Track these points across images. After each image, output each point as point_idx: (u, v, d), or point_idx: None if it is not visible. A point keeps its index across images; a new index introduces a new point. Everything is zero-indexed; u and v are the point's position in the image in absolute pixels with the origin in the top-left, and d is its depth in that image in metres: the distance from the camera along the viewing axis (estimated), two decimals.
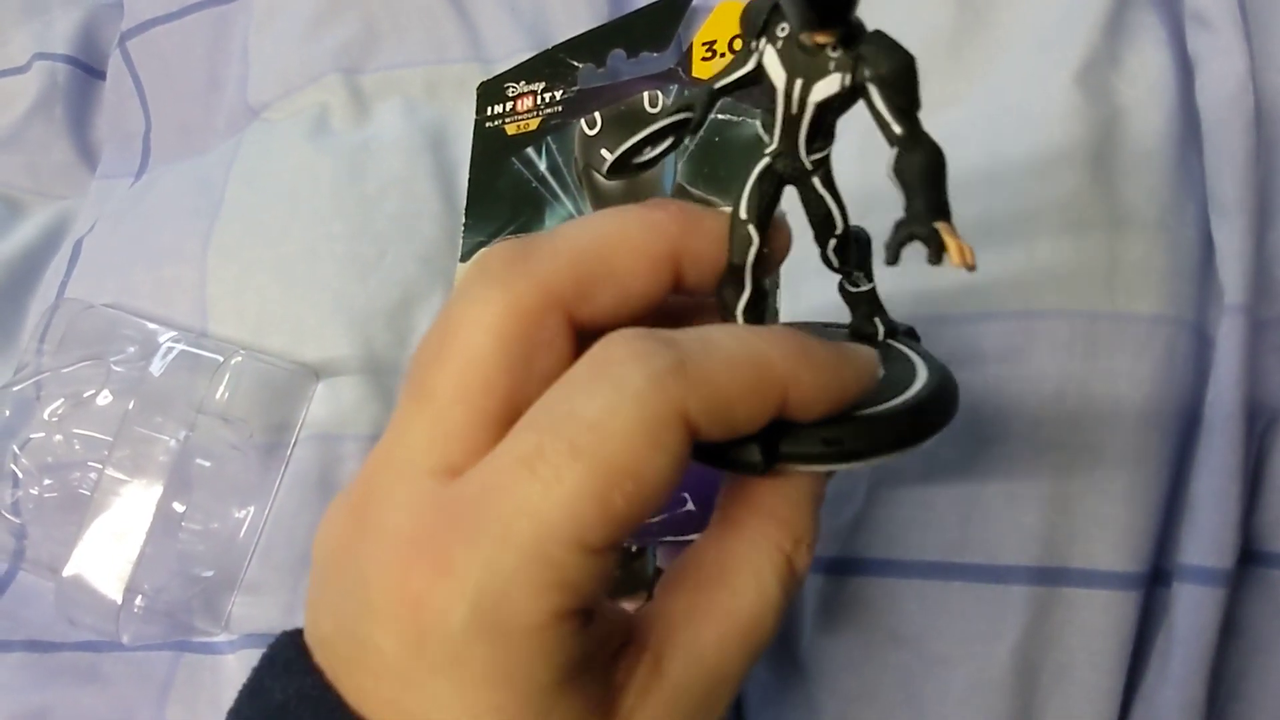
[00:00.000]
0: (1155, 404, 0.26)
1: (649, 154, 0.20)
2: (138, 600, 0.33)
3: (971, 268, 0.16)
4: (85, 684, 0.35)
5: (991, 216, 0.28)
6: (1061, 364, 0.27)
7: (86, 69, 0.50)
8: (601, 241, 0.18)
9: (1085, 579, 0.26)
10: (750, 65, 0.18)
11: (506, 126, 0.39)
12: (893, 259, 0.16)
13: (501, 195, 0.38)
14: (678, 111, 0.19)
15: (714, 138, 0.35)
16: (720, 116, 0.35)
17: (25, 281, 0.45)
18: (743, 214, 0.19)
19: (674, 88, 0.36)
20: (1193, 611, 0.25)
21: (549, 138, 0.38)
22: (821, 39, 0.17)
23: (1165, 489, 0.26)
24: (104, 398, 0.35)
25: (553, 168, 0.38)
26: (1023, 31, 0.30)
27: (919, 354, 0.21)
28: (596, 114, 0.37)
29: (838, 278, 0.21)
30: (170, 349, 0.33)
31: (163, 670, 0.35)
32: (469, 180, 0.39)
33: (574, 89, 0.38)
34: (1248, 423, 0.25)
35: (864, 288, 0.21)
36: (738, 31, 0.36)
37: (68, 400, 0.35)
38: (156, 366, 0.33)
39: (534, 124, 0.39)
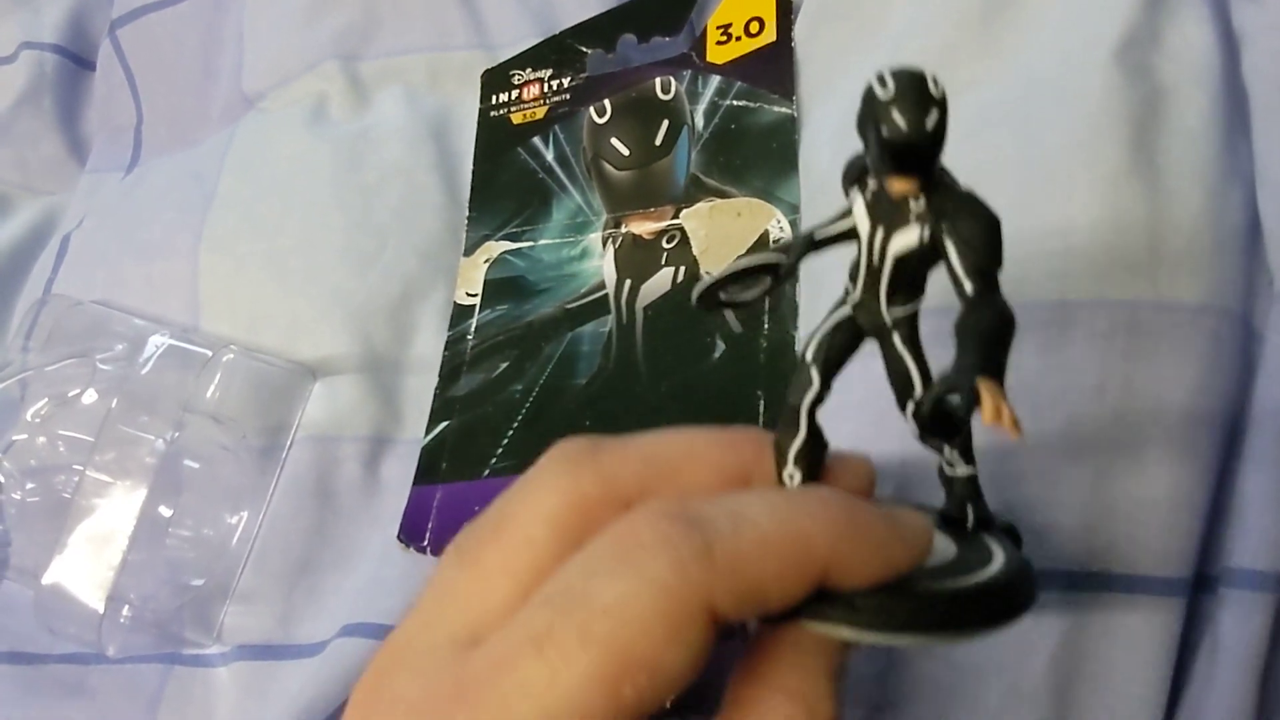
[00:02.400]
0: (1200, 399, 0.25)
1: (741, 295, 0.20)
2: (124, 610, 0.32)
3: (1015, 430, 0.15)
4: (71, 697, 0.34)
5: (1026, 201, 0.27)
6: (1101, 356, 0.25)
7: (76, 59, 0.49)
8: (675, 450, 0.19)
9: (1126, 584, 0.25)
10: (850, 218, 0.18)
11: (512, 115, 0.38)
12: (928, 410, 0.16)
13: (507, 186, 0.37)
14: (771, 253, 0.19)
15: (729, 125, 0.34)
16: (736, 103, 0.34)
17: (12, 279, 0.45)
18: (808, 356, 0.18)
19: (687, 73, 0.35)
20: (1241, 618, 0.24)
21: (556, 126, 0.37)
22: (899, 187, 0.16)
23: (1211, 489, 0.25)
24: (89, 397, 0.34)
25: (560, 158, 0.37)
26: (1057, 7, 0.29)
27: (1004, 550, 0.19)
28: (606, 101, 0.36)
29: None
30: (157, 345, 0.32)
31: (152, 683, 0.33)
32: (473, 171, 0.38)
33: (582, 76, 0.37)
34: None
35: (961, 473, 0.20)
36: (754, 14, 0.35)
37: (52, 400, 0.34)
38: (142, 362, 0.32)
39: (541, 112, 0.38)
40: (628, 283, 0.34)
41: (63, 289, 0.41)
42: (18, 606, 0.36)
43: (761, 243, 0.32)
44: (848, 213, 0.18)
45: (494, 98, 0.39)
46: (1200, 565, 0.25)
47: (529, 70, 0.38)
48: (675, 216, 0.34)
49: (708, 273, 0.33)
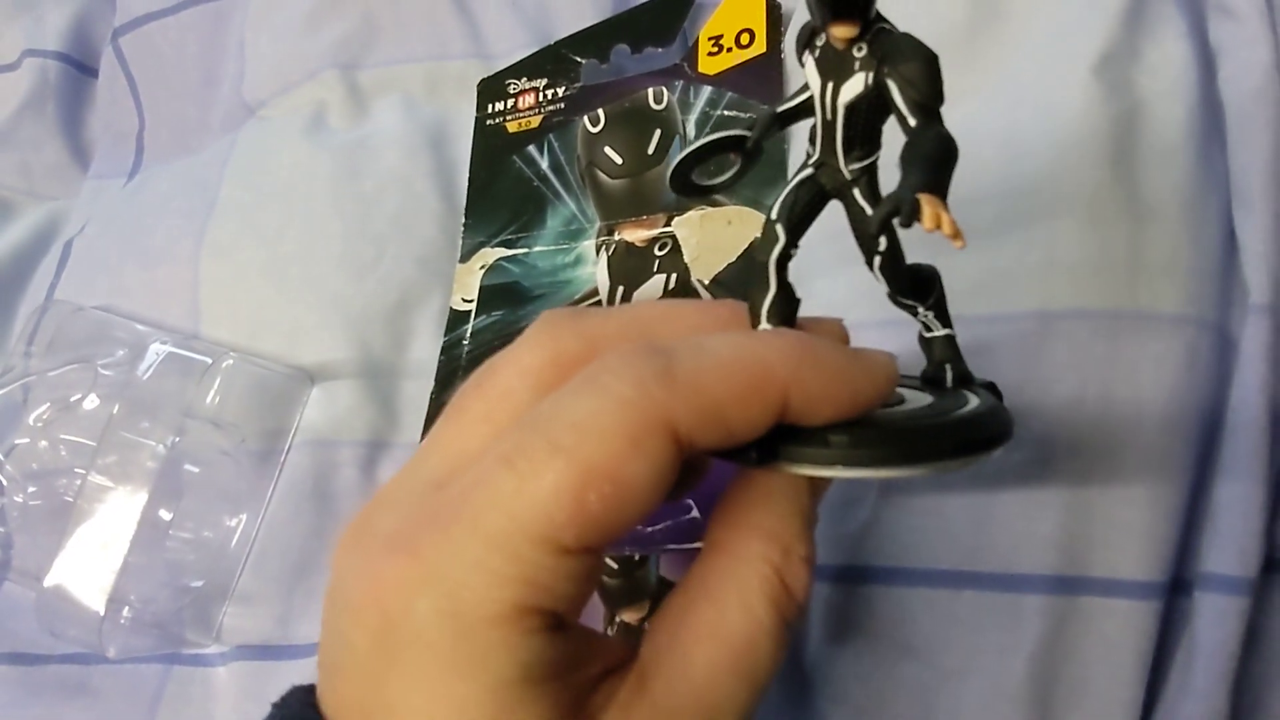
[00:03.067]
0: (1177, 407, 0.25)
1: (715, 179, 0.20)
2: (125, 611, 0.32)
3: (957, 238, 0.15)
4: (72, 698, 0.34)
5: (1008, 212, 0.27)
6: (1080, 365, 0.26)
7: (79, 66, 0.49)
8: (652, 314, 0.19)
9: (1104, 588, 0.25)
10: (808, 90, 0.18)
11: (508, 124, 0.39)
12: (876, 231, 0.16)
13: (502, 194, 0.37)
14: (738, 130, 0.19)
15: None
16: (727, 113, 0.34)
17: (14, 284, 0.45)
18: (773, 214, 0.19)
19: (679, 84, 0.36)
20: (1215, 621, 0.24)
21: (551, 135, 0.37)
22: (841, 33, 0.17)
23: (1187, 495, 0.25)
24: (91, 402, 0.34)
25: (555, 166, 0.37)
26: (1039, 23, 0.29)
27: (981, 397, 0.20)
28: (600, 111, 0.37)
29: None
30: (158, 351, 0.32)
31: (152, 683, 0.34)
32: (469, 179, 0.39)
33: (577, 85, 0.38)
34: (1272, 427, 0.25)
35: (937, 333, 0.21)
36: (745, 26, 0.35)
37: (54, 405, 0.35)
38: (143, 369, 0.32)
39: (536, 121, 0.38)
40: (620, 289, 0.34)
41: (65, 294, 0.42)
42: (19, 609, 0.36)
43: (751, 250, 0.32)
44: (805, 88, 0.18)
45: (490, 107, 0.39)
46: (1176, 570, 0.25)
47: (524, 80, 0.39)
48: (667, 224, 0.34)
49: (699, 280, 0.33)
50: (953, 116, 0.30)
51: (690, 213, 0.34)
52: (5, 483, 0.35)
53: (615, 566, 0.31)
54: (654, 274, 0.34)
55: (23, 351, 0.37)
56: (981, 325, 0.27)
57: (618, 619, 0.30)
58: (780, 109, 0.19)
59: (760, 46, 0.35)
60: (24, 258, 0.45)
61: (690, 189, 0.20)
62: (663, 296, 0.33)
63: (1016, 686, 0.25)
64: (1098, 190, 0.27)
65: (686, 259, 0.33)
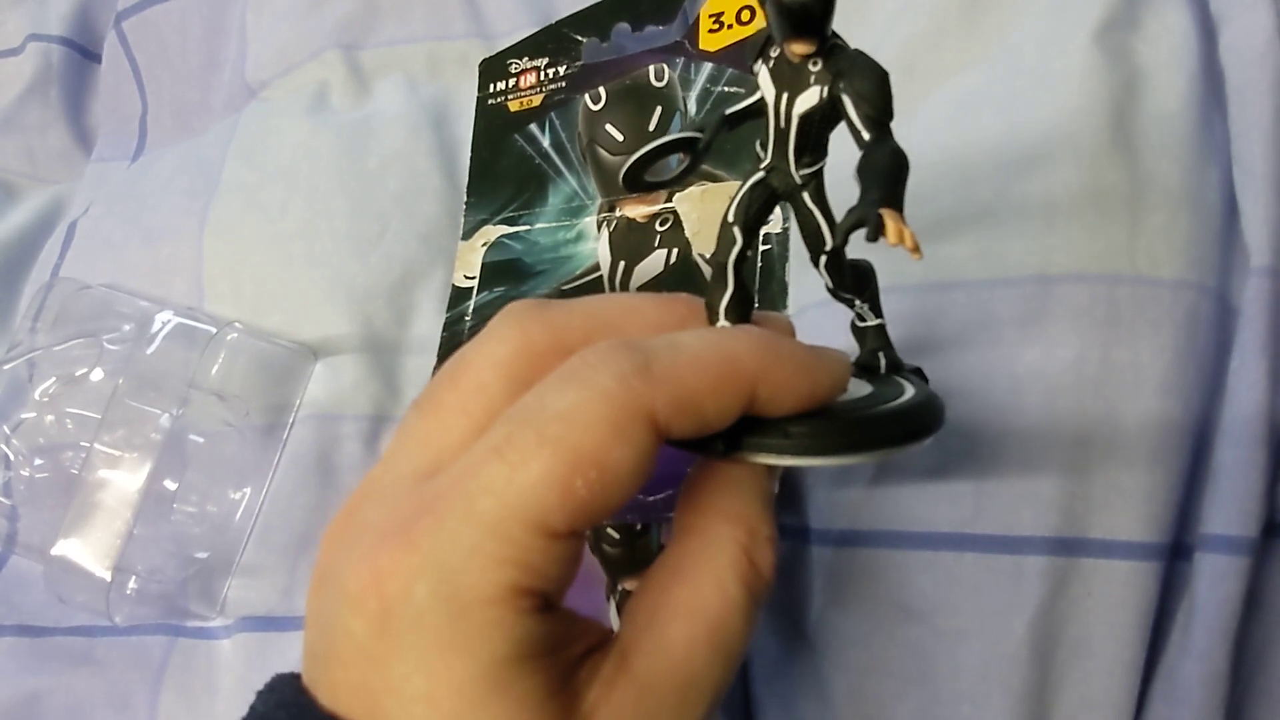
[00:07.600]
0: (1177, 372, 0.25)
1: (666, 174, 0.21)
2: (131, 581, 0.32)
3: (916, 251, 0.16)
4: (78, 668, 0.34)
5: (1009, 179, 0.27)
6: (1080, 330, 0.26)
7: (82, 51, 0.50)
8: (616, 307, 0.20)
9: (1105, 549, 0.25)
10: (758, 93, 0.19)
11: (509, 103, 0.39)
12: (840, 242, 0.17)
13: (504, 172, 0.38)
14: (689, 132, 0.21)
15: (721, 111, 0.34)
16: (727, 89, 0.35)
17: (18, 266, 0.45)
18: (730, 217, 0.20)
19: (680, 61, 0.36)
20: (1215, 582, 0.24)
21: (552, 114, 0.38)
22: (799, 49, 0.18)
23: (1188, 458, 0.26)
24: (96, 375, 0.34)
25: (556, 144, 0.37)
26: None
27: (914, 385, 0.21)
28: (601, 89, 0.37)
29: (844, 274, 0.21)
30: (164, 322, 0.33)
31: (157, 654, 0.34)
32: (471, 157, 0.39)
33: (578, 64, 0.38)
34: (1273, 390, 0.25)
35: (871, 323, 0.22)
36: (745, 3, 0.35)
37: (59, 379, 0.35)
38: (148, 341, 0.32)
39: (537, 100, 0.38)
40: (622, 265, 0.34)
41: (69, 274, 0.42)
42: (27, 583, 0.36)
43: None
44: (755, 94, 0.19)
45: (491, 86, 0.39)
46: (1177, 533, 0.25)
47: (525, 59, 0.39)
48: (668, 200, 0.34)
49: (700, 255, 0.33)
50: (953, 85, 0.30)
51: (691, 188, 0.34)
52: (12, 457, 0.35)
53: (618, 536, 0.31)
54: (655, 249, 0.34)
55: (28, 328, 0.37)
56: (982, 290, 0.27)
57: (620, 587, 0.30)
58: (729, 112, 0.20)
59: (761, 23, 0.35)
60: (28, 239, 0.45)
61: (640, 186, 0.22)
62: (664, 272, 0.33)
63: (1017, 648, 0.25)
64: (1097, 157, 0.27)
65: (688, 234, 0.34)
